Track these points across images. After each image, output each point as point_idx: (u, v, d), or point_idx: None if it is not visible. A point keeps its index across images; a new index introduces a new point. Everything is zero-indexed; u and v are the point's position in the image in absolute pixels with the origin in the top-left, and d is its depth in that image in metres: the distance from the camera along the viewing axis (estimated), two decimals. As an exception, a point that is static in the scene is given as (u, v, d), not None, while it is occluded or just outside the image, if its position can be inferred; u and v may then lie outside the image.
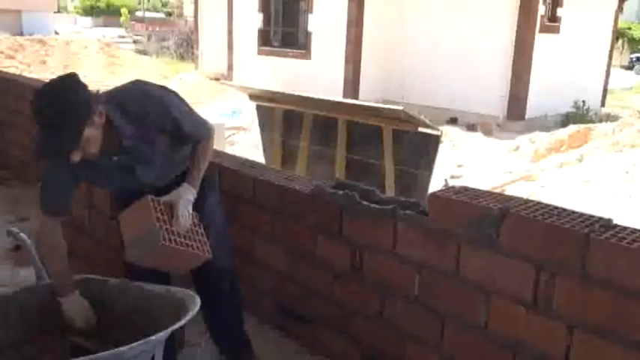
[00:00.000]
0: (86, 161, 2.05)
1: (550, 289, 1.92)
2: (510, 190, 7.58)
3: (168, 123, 2.17)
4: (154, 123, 2.15)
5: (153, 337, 1.62)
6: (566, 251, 1.86)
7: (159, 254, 2.09)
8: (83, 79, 2.11)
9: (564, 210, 2.03)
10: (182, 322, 1.72)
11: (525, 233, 1.97)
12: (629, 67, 27.98)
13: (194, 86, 15.09)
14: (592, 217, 1.95)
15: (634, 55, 29.09)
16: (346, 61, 13.81)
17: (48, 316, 2.14)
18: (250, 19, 16.10)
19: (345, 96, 13.02)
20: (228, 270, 2.59)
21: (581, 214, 1.97)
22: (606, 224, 1.88)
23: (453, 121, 12.36)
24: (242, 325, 2.70)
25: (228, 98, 13.64)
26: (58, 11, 38.92)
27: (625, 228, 1.86)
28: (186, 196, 2.19)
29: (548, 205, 2.10)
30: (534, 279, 1.95)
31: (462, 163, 9.24)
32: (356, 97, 12.84)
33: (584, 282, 1.83)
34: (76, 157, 1.95)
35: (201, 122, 2.36)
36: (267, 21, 16.04)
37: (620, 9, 15.59)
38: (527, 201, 2.14)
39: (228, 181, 3.15)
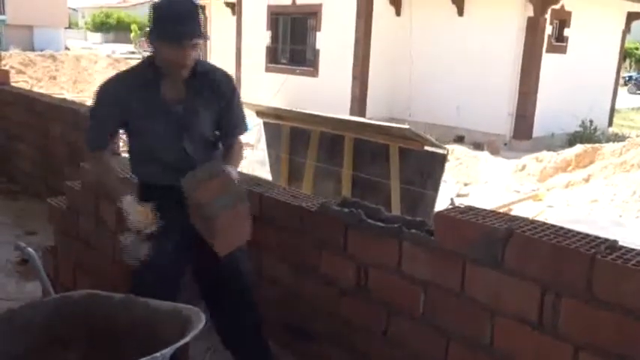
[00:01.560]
0: (148, 107, 2.33)
1: (555, 310, 1.91)
2: (517, 210, 7.56)
3: (226, 95, 2.47)
4: (218, 89, 2.45)
5: (158, 354, 1.63)
6: (572, 272, 1.86)
7: (233, 214, 2.25)
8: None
9: (570, 231, 2.03)
10: (187, 339, 1.72)
11: (531, 253, 1.96)
12: (623, 85, 27.90)
13: (202, 102, 15.17)
14: (598, 238, 1.95)
15: (627, 74, 28.99)
16: (353, 79, 13.88)
17: (53, 331, 2.15)
18: (258, 37, 16.24)
19: (352, 113, 13.06)
20: (248, 286, 2.64)
21: (587, 235, 1.97)
22: (612, 246, 1.88)
23: (460, 139, 12.37)
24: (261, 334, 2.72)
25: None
26: (69, 27, 39.40)
27: (631, 250, 1.85)
28: (235, 173, 2.37)
29: (553, 226, 2.10)
30: (540, 299, 1.95)
31: (469, 182, 9.23)
32: (363, 115, 12.88)
33: (590, 303, 1.82)
34: (190, 51, 2.27)
35: (245, 118, 2.63)
36: (275, 38, 16.17)
37: (627, 29, 15.64)
38: (532, 221, 2.14)
39: (235, 197, 3.17)
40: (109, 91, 2.39)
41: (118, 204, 2.35)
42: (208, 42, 19.88)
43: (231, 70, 17.34)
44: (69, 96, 14.20)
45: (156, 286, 2.33)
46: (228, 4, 18.20)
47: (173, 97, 2.38)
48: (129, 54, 33.60)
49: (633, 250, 1.86)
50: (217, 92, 2.44)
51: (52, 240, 3.60)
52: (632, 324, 1.73)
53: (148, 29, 2.31)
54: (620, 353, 1.77)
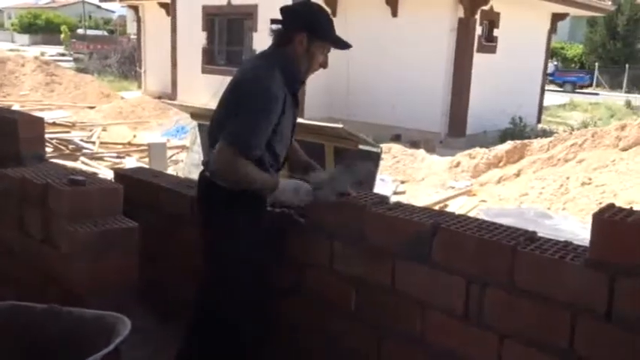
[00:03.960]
0: (289, 109, 2.30)
1: (481, 301, 1.97)
2: (452, 206, 7.76)
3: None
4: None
5: (79, 364, 1.58)
6: (495, 264, 1.93)
7: None
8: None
9: (493, 224, 2.10)
10: (112, 347, 1.68)
11: (456, 247, 2.02)
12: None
13: (137, 105, 14.82)
14: (518, 230, 2.03)
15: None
16: (291, 80, 13.89)
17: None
18: (194, 38, 16.02)
19: (290, 114, 13.06)
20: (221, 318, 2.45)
21: (509, 228, 2.04)
22: (531, 237, 1.96)
23: (397, 138, 12.57)
24: None
25: (172, 117, 13.47)
26: (-6, 28, 37.70)
27: (548, 240, 1.94)
28: None
29: (478, 220, 2.17)
30: (465, 291, 2.00)
31: (406, 180, 9.40)
32: (301, 115, 12.88)
33: (512, 293, 1.89)
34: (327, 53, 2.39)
35: None
36: (211, 39, 15.99)
37: (553, 30, 16.33)
38: (458, 216, 2.20)
39: (167, 201, 3.12)
40: (275, 96, 2.23)
41: (275, 192, 2.30)
42: (142, 43, 19.48)
43: (166, 72, 17.06)
44: (-6, 100, 13.57)
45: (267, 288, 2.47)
46: (162, 5, 17.85)
47: (296, 101, 2.41)
48: (59, 56, 32.46)
49: (550, 240, 1.94)
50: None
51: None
52: (551, 311, 1.80)
53: (305, 32, 2.29)
54: (541, 340, 1.84)
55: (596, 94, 27.04)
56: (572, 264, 1.75)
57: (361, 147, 4.63)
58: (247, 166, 2.20)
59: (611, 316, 1.69)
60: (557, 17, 15.97)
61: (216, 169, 2.25)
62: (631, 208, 1.77)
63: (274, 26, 2.37)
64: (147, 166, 7.13)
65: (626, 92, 26.75)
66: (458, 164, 9.79)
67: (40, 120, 3.95)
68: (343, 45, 2.37)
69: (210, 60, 15.95)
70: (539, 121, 16.33)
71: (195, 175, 6.18)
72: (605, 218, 1.69)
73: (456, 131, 12.92)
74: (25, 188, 2.96)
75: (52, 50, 37.32)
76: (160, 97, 16.00)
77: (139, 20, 19.96)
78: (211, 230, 2.42)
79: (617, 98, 23.38)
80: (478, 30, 13.00)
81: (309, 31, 2.29)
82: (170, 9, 16.90)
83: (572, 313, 1.76)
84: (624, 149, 9.32)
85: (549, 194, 7.89)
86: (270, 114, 2.21)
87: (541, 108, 16.66)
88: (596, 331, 1.73)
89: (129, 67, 23.06)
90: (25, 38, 49.37)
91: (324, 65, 2.39)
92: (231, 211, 2.33)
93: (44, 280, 2.83)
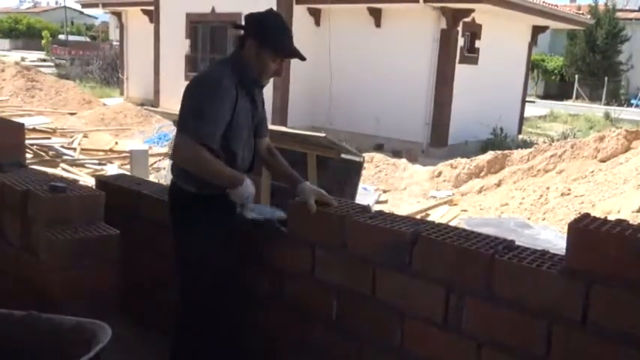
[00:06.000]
0: (244, 110, 2.37)
1: (459, 309, 1.99)
2: (434, 215, 7.81)
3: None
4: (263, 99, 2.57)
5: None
6: (474, 272, 1.95)
7: None
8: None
9: (472, 233, 2.13)
10: (92, 354, 1.67)
11: (435, 256, 2.04)
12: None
13: (119, 112, 14.72)
14: (497, 239, 2.06)
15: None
16: (274, 89, 13.90)
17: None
18: (177, 45, 15.99)
19: (273, 123, 13.07)
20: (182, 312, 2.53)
21: (487, 237, 2.07)
22: (509, 246, 1.99)
23: (379, 147, 12.64)
24: None
25: (154, 124, 13.40)
26: (-26, 33, 37.29)
27: (526, 249, 1.97)
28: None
29: (457, 229, 2.20)
30: (445, 300, 2.02)
31: (388, 189, 9.44)
32: (284, 124, 12.92)
33: (491, 301, 1.91)
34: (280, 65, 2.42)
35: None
36: (194, 47, 15.98)
37: (533, 42, 16.56)
38: (437, 225, 2.23)
39: (149, 208, 3.11)
40: (225, 86, 2.30)
41: (237, 188, 2.33)
42: (125, 49, 19.39)
43: (149, 79, 16.99)
44: (-27, 105, 13.39)
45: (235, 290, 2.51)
46: (145, 12, 17.80)
47: (253, 102, 2.46)
48: (40, 62, 32.16)
49: (528, 249, 1.97)
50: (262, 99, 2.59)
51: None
52: (528, 318, 1.83)
53: (253, 39, 2.35)
54: (518, 347, 1.87)
55: (532, 101, 27.28)
56: (548, 272, 1.78)
57: (344, 156, 4.65)
58: (208, 155, 2.25)
59: (587, 323, 1.72)
60: (537, 30, 16.19)
61: (179, 160, 2.33)
62: (605, 217, 1.81)
63: (235, 31, 2.48)
64: (128, 174, 7.08)
65: (605, 104, 27.11)
66: (439, 174, 9.86)
67: (21, 126, 3.92)
68: (292, 55, 2.44)
69: (194, 67, 15.91)
70: (519, 131, 16.50)
71: (177, 183, 6.13)
72: (580, 227, 1.72)
73: (437, 141, 13.02)
74: (4, 195, 2.94)
75: (32, 55, 36.98)
76: (142, 104, 15.91)
77: (121, 27, 19.87)
78: (177, 233, 2.48)
79: (596, 110, 23.71)
80: (460, 41, 13.13)
81: (256, 38, 2.37)
82: (153, 16, 16.86)
83: (548, 321, 1.79)
84: (602, 160, 9.47)
85: (529, 204, 7.97)
86: (222, 102, 2.28)
87: (522, 119, 16.85)
88: (571, 338, 1.75)
89: (111, 73, 22.89)
90: (5, 43, 48.86)
91: (279, 73, 2.46)
92: (193, 213, 2.39)
93: (23, 287, 2.80)
